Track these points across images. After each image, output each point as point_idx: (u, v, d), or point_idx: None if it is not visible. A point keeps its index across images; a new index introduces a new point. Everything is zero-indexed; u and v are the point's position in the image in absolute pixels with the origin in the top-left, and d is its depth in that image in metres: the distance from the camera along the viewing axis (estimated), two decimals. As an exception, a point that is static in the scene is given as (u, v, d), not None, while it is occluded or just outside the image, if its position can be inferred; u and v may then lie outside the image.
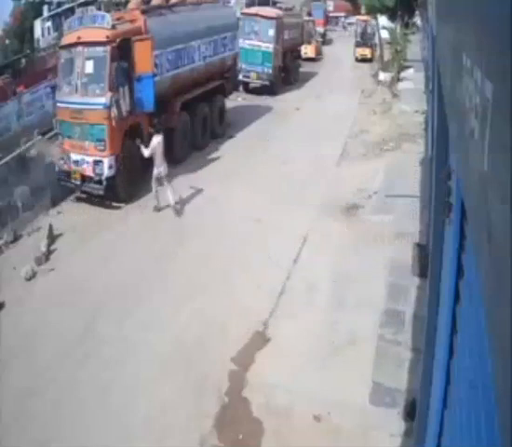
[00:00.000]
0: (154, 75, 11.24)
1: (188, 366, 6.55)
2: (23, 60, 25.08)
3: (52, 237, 9.87)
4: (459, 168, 1.81)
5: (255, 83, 21.52)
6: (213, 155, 14.06)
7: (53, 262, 9.35)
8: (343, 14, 52.29)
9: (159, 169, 10.62)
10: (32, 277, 8.87)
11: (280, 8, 24.27)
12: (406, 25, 24.26)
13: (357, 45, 30.62)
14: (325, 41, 37.74)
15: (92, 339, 7.15)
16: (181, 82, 13.08)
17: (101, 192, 10.92)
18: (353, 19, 43.45)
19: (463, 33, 1.39)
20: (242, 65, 19.58)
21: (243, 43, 19.57)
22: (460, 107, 1.39)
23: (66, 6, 32.43)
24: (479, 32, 1.10)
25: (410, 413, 5.11)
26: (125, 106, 10.84)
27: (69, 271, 8.95)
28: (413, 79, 20.30)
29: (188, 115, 13.49)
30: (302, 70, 25.65)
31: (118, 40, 10.59)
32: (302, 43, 26.94)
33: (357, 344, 6.65)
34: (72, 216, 10.99)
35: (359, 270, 8.22)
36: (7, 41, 35.40)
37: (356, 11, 43.43)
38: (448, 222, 2.96)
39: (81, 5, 23.81)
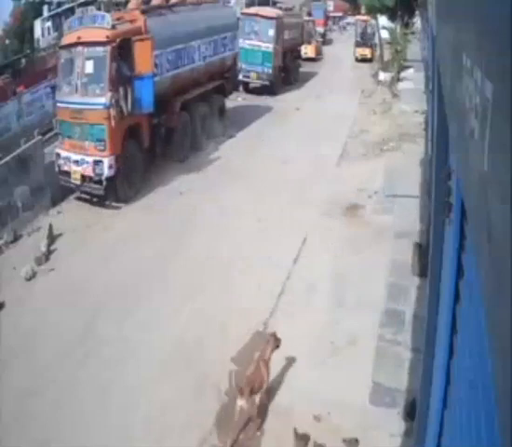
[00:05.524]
0: (155, 75, 11.23)
1: (188, 366, 6.55)
2: (23, 60, 25.11)
3: (52, 237, 9.87)
4: (459, 168, 1.81)
5: (255, 83, 21.51)
6: (213, 155, 14.05)
7: (53, 262, 9.35)
8: (340, 14, 52.30)
9: None
10: (32, 277, 8.87)
11: (280, 8, 24.29)
12: (406, 25, 24.23)
13: (357, 45, 30.60)
14: (325, 41, 37.72)
15: (92, 339, 7.15)
16: (181, 82, 13.08)
17: (101, 192, 10.92)
18: (351, 19, 43.50)
19: (463, 33, 1.39)
20: (242, 65, 19.56)
21: (243, 43, 19.56)
22: (460, 107, 1.39)
23: (66, 6, 32.44)
24: (479, 32, 1.10)
25: (410, 413, 5.11)
26: (125, 106, 10.84)
27: (69, 271, 8.95)
28: (413, 79, 20.28)
29: (188, 115, 13.49)
30: (302, 70, 25.64)
31: (118, 40, 10.59)
32: (302, 43, 26.92)
33: (357, 344, 6.65)
34: (72, 216, 11.00)
35: (359, 270, 8.22)
36: (7, 41, 35.40)
37: (355, 11, 43.38)
38: (448, 222, 2.96)
39: (81, 5, 23.83)
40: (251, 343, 6.84)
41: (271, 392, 5.98)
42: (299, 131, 16.04)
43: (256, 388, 5.55)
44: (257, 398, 5.50)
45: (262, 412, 5.61)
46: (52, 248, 9.68)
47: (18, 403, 6.10)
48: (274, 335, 5.89)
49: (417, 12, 22.90)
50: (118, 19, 11.46)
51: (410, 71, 21.91)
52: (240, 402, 5.36)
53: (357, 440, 5.06)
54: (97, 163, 10.69)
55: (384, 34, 25.63)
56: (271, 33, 20.96)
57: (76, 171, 10.93)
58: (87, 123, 10.79)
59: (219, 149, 14.59)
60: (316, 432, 5.49)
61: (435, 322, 3.42)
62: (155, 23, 11.80)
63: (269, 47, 20.93)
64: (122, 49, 10.67)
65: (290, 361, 6.38)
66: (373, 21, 28.94)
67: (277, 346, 5.83)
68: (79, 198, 11.68)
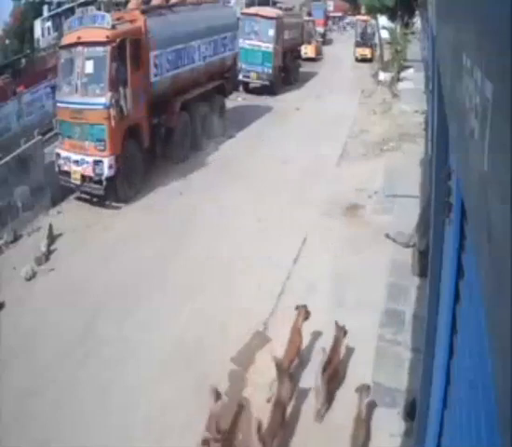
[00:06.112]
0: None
1: (188, 366, 6.54)
2: (23, 60, 25.11)
3: (52, 237, 9.87)
4: (459, 168, 1.81)
5: (255, 83, 21.51)
6: (213, 155, 14.06)
7: (53, 262, 9.35)
8: (340, 14, 52.30)
9: None
10: (32, 277, 8.87)
11: (280, 8, 24.29)
12: (406, 25, 24.24)
13: (357, 45, 30.61)
14: (325, 41, 37.72)
15: (92, 339, 7.15)
16: (181, 82, 13.09)
17: (101, 192, 10.93)
18: (351, 19, 43.50)
19: (463, 33, 1.39)
20: (242, 65, 19.57)
21: (243, 43, 19.56)
22: (460, 107, 1.39)
23: (66, 6, 32.44)
24: (479, 32, 1.10)
25: (410, 413, 5.11)
26: (125, 106, 10.84)
27: (69, 271, 8.95)
28: (413, 79, 20.28)
29: (188, 115, 13.50)
30: (302, 70, 25.64)
31: (118, 40, 10.59)
32: (302, 43, 26.93)
33: (357, 344, 6.64)
34: (72, 216, 11.00)
35: (359, 270, 8.21)
36: (7, 41, 35.40)
37: (355, 11, 43.38)
38: (448, 222, 2.96)
39: (81, 5, 23.82)
40: (251, 343, 6.84)
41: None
42: (299, 131, 16.04)
43: (291, 356, 6.19)
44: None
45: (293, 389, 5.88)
46: (52, 248, 9.68)
47: (18, 403, 6.10)
48: (304, 307, 6.59)
49: (417, 12, 22.90)
50: (118, 19, 11.46)
51: (411, 71, 21.92)
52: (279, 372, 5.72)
53: (369, 387, 5.46)
54: (97, 163, 10.69)
55: (384, 34, 25.64)
56: (271, 33, 20.97)
57: (76, 171, 10.93)
58: (87, 123, 10.79)
59: (219, 149, 14.59)
60: (316, 431, 5.50)
61: (435, 322, 3.43)
62: (155, 23, 11.81)
63: (269, 47, 20.93)
64: (122, 49, 10.68)
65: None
66: (373, 21, 28.94)
67: (307, 318, 6.51)
68: (79, 198, 11.68)
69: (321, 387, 5.63)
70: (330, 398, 5.80)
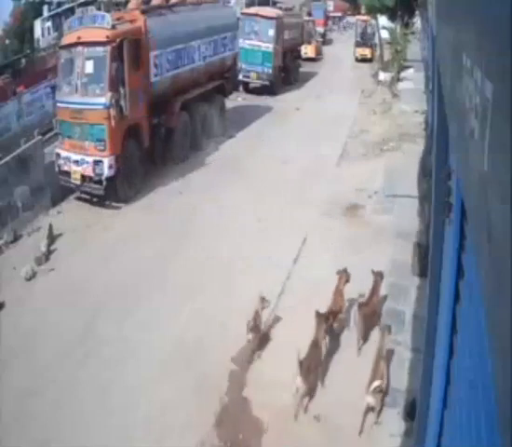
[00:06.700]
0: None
1: (188, 366, 6.54)
2: (23, 60, 25.11)
3: (52, 237, 9.87)
4: (459, 168, 1.82)
5: (255, 83, 21.51)
6: (213, 155, 14.05)
7: (53, 262, 9.35)
8: (340, 14, 52.27)
9: None
10: (32, 277, 8.87)
11: (280, 8, 24.29)
12: (406, 25, 24.22)
13: (357, 45, 30.60)
14: (325, 41, 37.71)
15: (92, 339, 7.16)
16: (181, 82, 13.09)
17: (101, 192, 10.92)
18: (351, 19, 43.50)
19: (463, 33, 1.39)
20: (242, 65, 19.57)
21: (243, 43, 19.56)
22: (460, 107, 1.39)
23: (66, 6, 32.43)
24: (479, 32, 1.10)
25: (410, 413, 5.11)
26: (125, 106, 10.84)
27: (69, 271, 8.95)
28: (413, 79, 20.28)
29: (188, 115, 13.50)
30: (302, 70, 25.64)
31: (118, 40, 10.58)
32: (302, 43, 26.93)
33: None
34: (72, 216, 11.00)
35: (359, 270, 8.20)
36: (7, 41, 35.38)
37: (355, 11, 43.36)
38: (448, 222, 2.96)
39: (81, 5, 23.82)
40: (251, 343, 6.84)
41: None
42: (299, 131, 16.03)
43: (336, 312, 6.78)
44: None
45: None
46: (52, 248, 9.68)
47: (18, 403, 6.10)
48: (345, 270, 7.12)
49: (417, 12, 22.89)
50: (118, 19, 11.46)
51: (411, 71, 21.91)
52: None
53: (389, 327, 6.02)
54: (97, 163, 10.68)
55: (384, 34, 25.63)
56: (271, 33, 20.96)
57: (76, 171, 10.93)
58: (87, 123, 10.79)
59: (219, 149, 14.59)
60: (316, 431, 5.50)
61: (435, 322, 3.43)
62: (155, 23, 11.80)
63: (269, 47, 20.93)
64: (122, 49, 10.67)
65: (291, 361, 6.36)
66: (373, 21, 28.94)
67: (347, 281, 7.05)
68: (79, 198, 11.68)
69: (359, 323, 6.30)
70: (365, 335, 6.43)
